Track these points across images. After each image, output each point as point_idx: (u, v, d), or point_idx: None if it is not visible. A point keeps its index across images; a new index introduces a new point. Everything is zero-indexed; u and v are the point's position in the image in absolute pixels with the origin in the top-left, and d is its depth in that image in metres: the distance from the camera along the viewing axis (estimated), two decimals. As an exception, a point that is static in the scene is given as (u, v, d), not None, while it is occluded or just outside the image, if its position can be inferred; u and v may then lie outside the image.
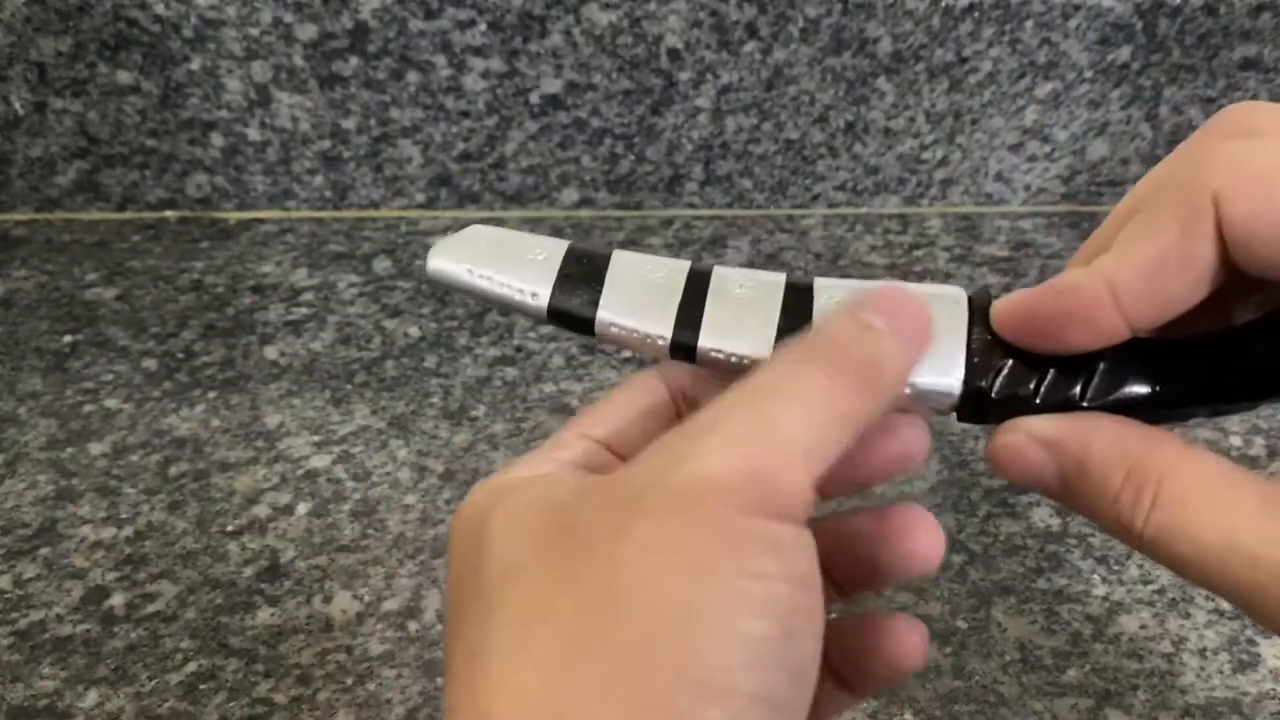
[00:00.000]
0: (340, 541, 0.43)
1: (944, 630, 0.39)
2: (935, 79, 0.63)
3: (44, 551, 0.43)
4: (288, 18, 0.60)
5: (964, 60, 0.62)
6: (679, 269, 0.25)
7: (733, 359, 0.24)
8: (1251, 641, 0.38)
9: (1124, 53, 0.62)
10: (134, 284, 0.61)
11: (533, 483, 0.22)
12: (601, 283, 0.24)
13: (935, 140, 0.65)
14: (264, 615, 0.40)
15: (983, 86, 0.63)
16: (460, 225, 0.69)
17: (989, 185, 0.67)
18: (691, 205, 0.68)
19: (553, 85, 0.63)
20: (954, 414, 0.24)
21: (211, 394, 0.52)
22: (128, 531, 0.43)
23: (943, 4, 0.60)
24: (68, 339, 0.56)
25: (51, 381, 0.53)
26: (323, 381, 0.52)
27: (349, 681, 0.37)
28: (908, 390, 0.23)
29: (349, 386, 0.52)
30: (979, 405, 0.23)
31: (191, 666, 0.38)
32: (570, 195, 0.67)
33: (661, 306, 0.24)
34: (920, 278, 0.61)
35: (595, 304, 0.24)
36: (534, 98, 0.63)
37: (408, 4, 0.60)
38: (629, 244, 0.64)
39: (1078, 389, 0.23)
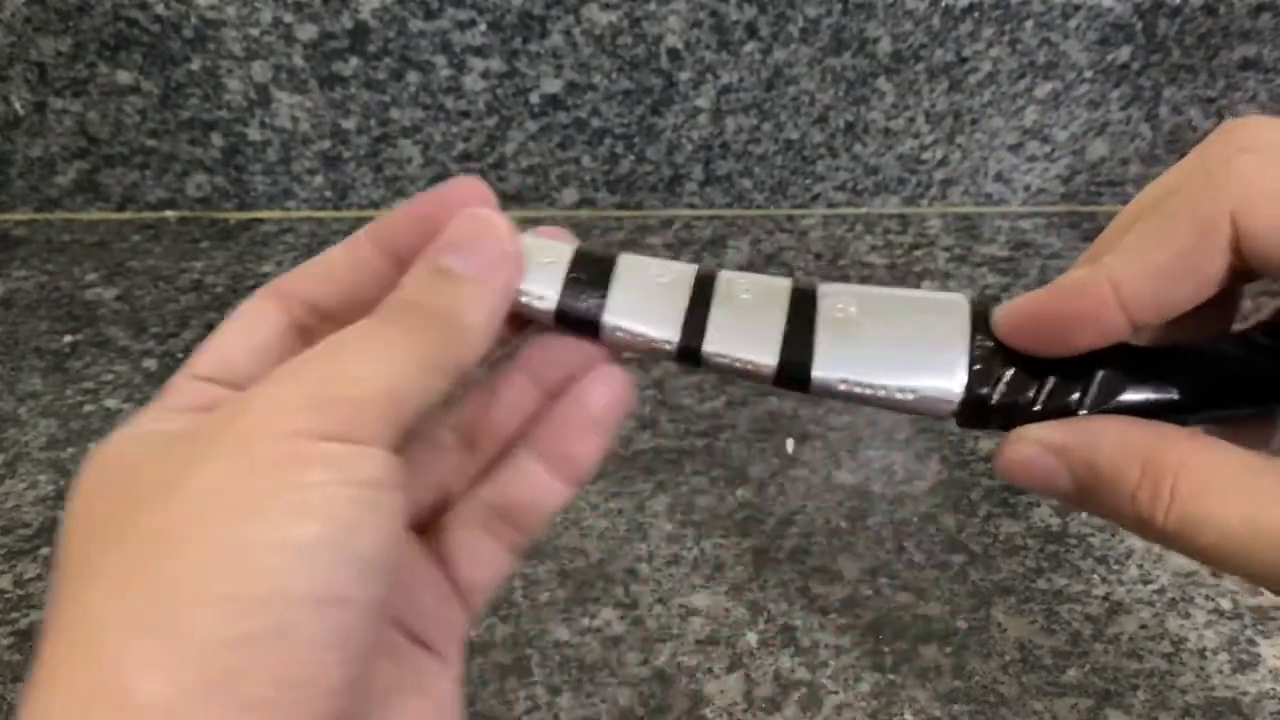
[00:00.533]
0: (340, 541, 0.43)
1: (944, 630, 0.39)
2: (935, 79, 0.63)
3: (45, 551, 0.43)
4: (288, 18, 0.60)
5: (964, 60, 0.62)
6: (685, 273, 0.25)
7: (737, 364, 0.24)
8: (1251, 641, 0.38)
9: (1124, 53, 0.62)
10: (134, 284, 0.61)
11: (123, 445, 0.21)
12: (608, 287, 0.24)
13: (935, 140, 0.65)
14: (264, 615, 0.40)
15: (982, 87, 0.63)
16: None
17: (989, 185, 0.67)
18: (691, 205, 0.68)
19: (553, 85, 0.63)
20: (954, 419, 0.24)
21: (212, 394, 0.52)
22: (128, 531, 0.43)
23: (943, 4, 0.60)
24: (68, 339, 0.56)
25: (52, 381, 0.53)
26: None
27: (349, 681, 0.37)
28: (910, 396, 0.23)
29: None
30: (979, 412, 0.23)
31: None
32: (570, 195, 0.67)
33: (667, 311, 0.24)
34: (920, 278, 0.61)
35: (601, 308, 0.24)
36: (534, 98, 0.63)
37: (408, 4, 0.60)
38: (629, 244, 0.64)
39: (1077, 395, 0.23)
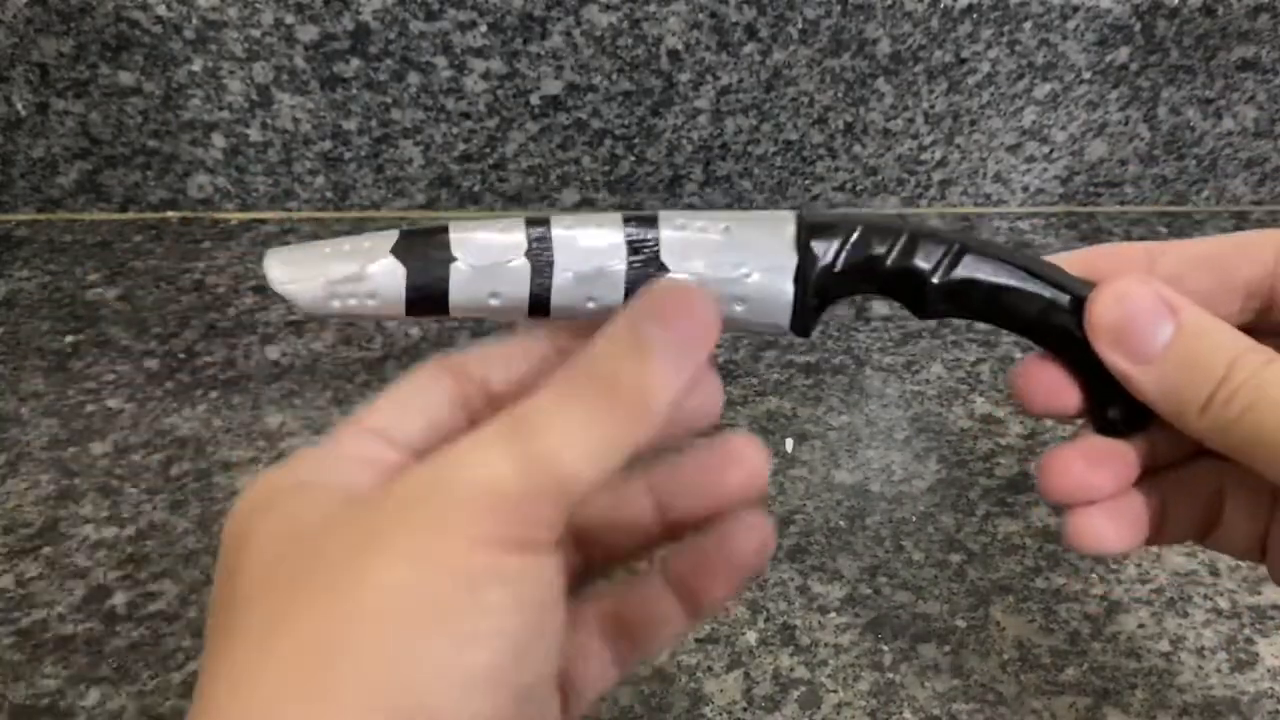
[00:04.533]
0: (341, 541, 0.43)
1: (943, 629, 0.39)
2: (934, 80, 0.63)
3: (46, 551, 0.43)
4: (289, 19, 0.60)
5: (963, 61, 0.63)
6: (516, 223, 0.25)
7: (587, 228, 0.24)
8: (1250, 641, 0.38)
9: (1122, 54, 0.63)
10: (136, 284, 0.61)
11: (296, 496, 0.21)
12: (446, 241, 0.24)
13: (934, 141, 0.65)
14: (265, 614, 0.40)
15: (981, 87, 0.63)
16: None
17: (988, 186, 0.68)
18: (692, 205, 0.68)
19: (553, 86, 0.63)
20: (791, 307, 0.24)
21: (213, 394, 0.52)
22: (130, 531, 0.44)
23: (941, 5, 0.61)
24: (70, 339, 0.56)
25: (53, 381, 0.53)
26: (324, 382, 0.53)
27: (350, 680, 0.37)
28: (748, 272, 0.24)
29: (350, 387, 0.52)
30: (821, 280, 0.24)
31: (193, 666, 0.38)
32: (570, 196, 0.67)
33: (509, 221, 0.24)
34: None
35: (445, 230, 0.24)
36: (534, 99, 0.63)
37: (409, 5, 0.60)
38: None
39: (925, 264, 0.24)
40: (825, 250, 0.24)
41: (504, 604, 0.18)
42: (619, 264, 0.24)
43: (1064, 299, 0.24)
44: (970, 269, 0.24)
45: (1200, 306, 0.23)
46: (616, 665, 0.25)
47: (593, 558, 0.26)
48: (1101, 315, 0.23)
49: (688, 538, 0.25)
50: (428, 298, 0.24)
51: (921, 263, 0.24)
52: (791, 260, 0.24)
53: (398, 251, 0.24)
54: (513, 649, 0.18)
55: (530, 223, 0.24)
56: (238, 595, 0.20)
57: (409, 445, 0.23)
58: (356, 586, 0.18)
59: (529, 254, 0.24)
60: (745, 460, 0.25)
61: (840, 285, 0.25)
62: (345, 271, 0.24)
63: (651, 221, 0.24)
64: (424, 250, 0.24)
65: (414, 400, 0.24)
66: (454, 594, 0.18)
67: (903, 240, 0.24)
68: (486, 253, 0.24)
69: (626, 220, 0.24)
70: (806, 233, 0.24)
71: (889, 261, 0.24)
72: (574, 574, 0.26)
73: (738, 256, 0.24)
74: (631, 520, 0.25)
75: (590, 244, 0.24)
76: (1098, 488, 0.25)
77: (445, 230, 0.24)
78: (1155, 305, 0.23)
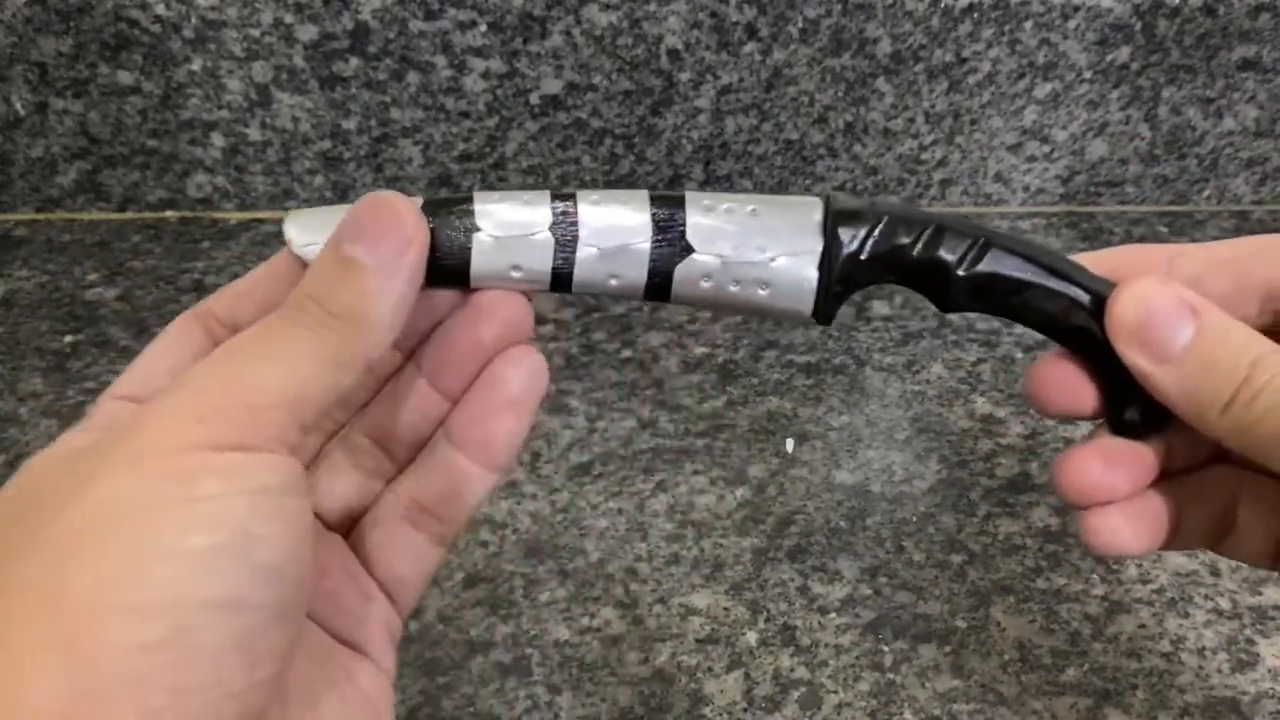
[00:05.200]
0: (341, 541, 0.43)
1: (943, 630, 0.39)
2: (934, 79, 0.63)
3: (45, 551, 0.43)
4: (288, 18, 0.60)
5: (963, 61, 0.62)
6: (541, 196, 0.25)
7: (613, 203, 0.24)
8: (1250, 641, 0.38)
9: (1123, 53, 0.63)
10: (135, 284, 0.61)
11: (40, 461, 0.22)
12: (471, 209, 0.24)
13: (935, 141, 0.65)
14: (265, 615, 0.40)
15: (982, 87, 0.63)
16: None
17: (988, 186, 0.67)
18: (691, 205, 0.68)
19: (553, 86, 0.63)
20: (815, 290, 0.24)
21: (212, 394, 0.52)
22: (129, 531, 0.43)
23: (942, 5, 0.60)
24: (69, 339, 0.56)
25: (52, 381, 0.53)
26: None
27: (350, 681, 0.37)
28: (773, 256, 0.24)
29: (349, 386, 0.52)
30: (845, 267, 0.24)
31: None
32: (570, 195, 0.67)
33: (534, 193, 0.25)
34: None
35: (470, 199, 0.24)
36: (534, 98, 0.63)
37: (408, 5, 0.60)
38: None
39: (955, 257, 0.24)
40: (851, 238, 0.24)
41: (219, 491, 0.19)
42: (644, 242, 0.24)
43: (1085, 297, 0.24)
44: (994, 264, 0.24)
45: (1220, 309, 0.23)
46: (436, 544, 0.26)
47: (400, 456, 0.27)
48: (1123, 314, 0.23)
49: (463, 395, 0.26)
50: (449, 267, 0.24)
51: (946, 255, 0.24)
52: (817, 246, 0.24)
53: (425, 209, 0.24)
54: (240, 529, 0.19)
55: (556, 197, 0.24)
56: None
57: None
58: (80, 503, 0.19)
59: (553, 228, 0.24)
60: (497, 311, 0.25)
61: (865, 273, 0.25)
62: None
63: (679, 202, 0.24)
64: (448, 218, 0.24)
65: (162, 358, 0.24)
66: (166, 487, 0.19)
67: (929, 231, 0.24)
68: (511, 225, 0.24)
69: (654, 199, 0.24)
70: (833, 219, 0.24)
71: (914, 252, 0.24)
72: (386, 474, 0.27)
73: (763, 240, 0.24)
74: (418, 410, 0.26)
75: (616, 221, 0.24)
76: (1115, 488, 0.25)
77: (470, 199, 0.24)
78: (1176, 306, 0.23)
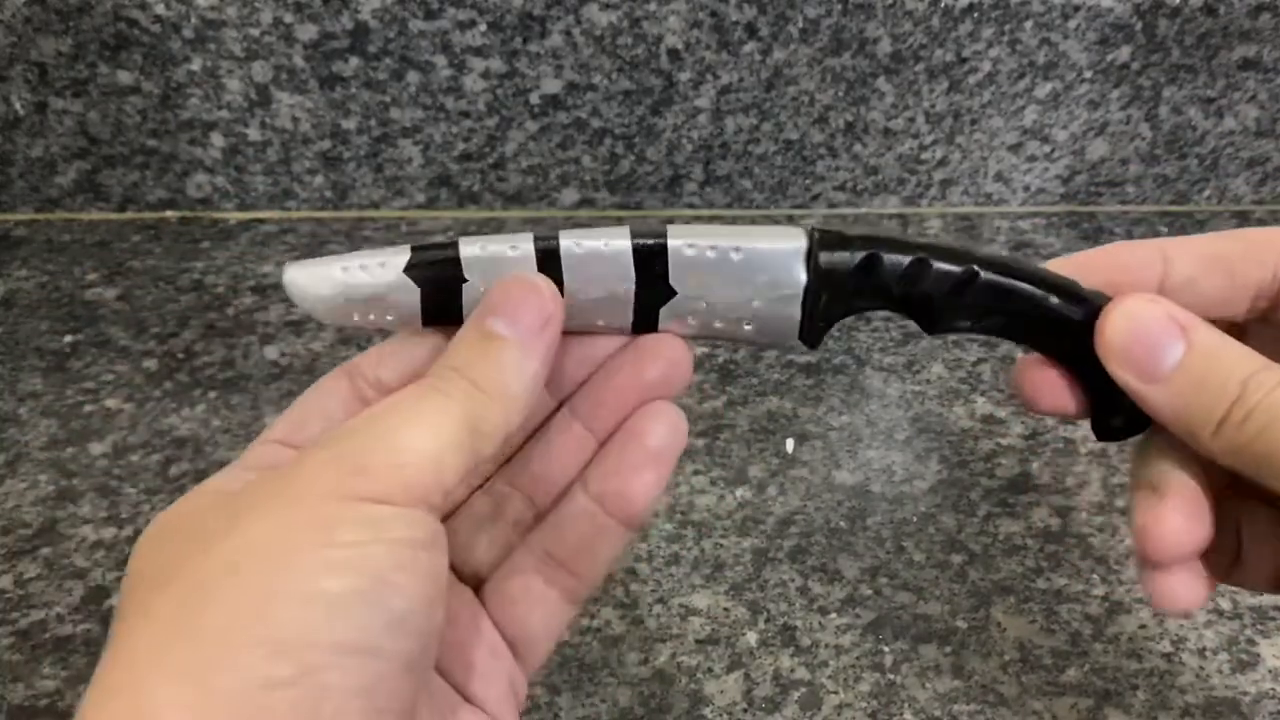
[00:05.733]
0: (341, 541, 0.43)
1: (944, 630, 0.39)
2: (935, 79, 0.63)
3: (45, 551, 0.43)
4: (288, 18, 0.60)
5: (963, 60, 0.62)
6: (526, 239, 0.25)
7: (595, 248, 0.25)
8: (1251, 641, 0.38)
9: (1123, 53, 0.63)
10: (134, 284, 0.61)
11: (188, 500, 0.23)
12: (458, 258, 0.25)
13: (935, 140, 0.65)
14: (264, 615, 0.40)
15: (982, 87, 0.63)
16: (460, 225, 0.69)
17: (989, 185, 0.67)
18: (691, 205, 0.68)
19: (553, 85, 0.63)
20: (800, 307, 0.24)
21: (212, 394, 0.52)
22: (128, 531, 0.43)
23: (942, 4, 0.60)
24: (68, 339, 0.56)
25: (52, 381, 0.53)
26: (323, 381, 0.52)
27: (349, 681, 0.37)
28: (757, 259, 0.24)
29: (349, 386, 0.52)
30: (829, 303, 0.24)
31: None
32: (570, 195, 0.67)
33: (518, 238, 0.25)
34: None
35: (456, 249, 0.25)
36: (534, 98, 0.63)
37: (408, 4, 0.60)
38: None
39: (942, 289, 0.24)
40: (835, 274, 0.24)
41: (357, 538, 0.19)
42: (627, 285, 0.25)
43: (1075, 315, 0.24)
44: (981, 293, 0.24)
45: (1209, 321, 0.23)
46: (568, 601, 0.26)
47: (544, 505, 0.27)
48: (1112, 335, 0.23)
49: (601, 447, 0.26)
50: (443, 315, 0.25)
51: (933, 286, 0.24)
52: (800, 283, 0.24)
53: (411, 273, 0.25)
54: (376, 577, 0.19)
55: (540, 242, 0.25)
56: (126, 588, 0.21)
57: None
58: (228, 543, 0.19)
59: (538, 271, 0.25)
60: (662, 352, 0.25)
61: (850, 306, 0.25)
62: (363, 292, 0.25)
63: (660, 244, 0.24)
64: (436, 272, 0.25)
65: (314, 407, 0.25)
66: (307, 533, 0.19)
67: (914, 263, 0.24)
68: (497, 274, 0.25)
69: (635, 241, 0.24)
70: (817, 258, 0.24)
71: (900, 285, 0.24)
72: (525, 526, 0.27)
73: (746, 283, 0.24)
74: (570, 454, 0.26)
75: (599, 269, 0.25)
76: (1197, 542, 0.24)
77: (456, 249, 0.25)
78: (1166, 324, 0.23)
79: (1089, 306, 0.24)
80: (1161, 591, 0.24)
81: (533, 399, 0.23)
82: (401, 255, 0.25)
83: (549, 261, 0.24)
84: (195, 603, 0.19)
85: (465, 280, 0.24)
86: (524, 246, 0.25)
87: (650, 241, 0.24)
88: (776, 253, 0.24)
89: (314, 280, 0.25)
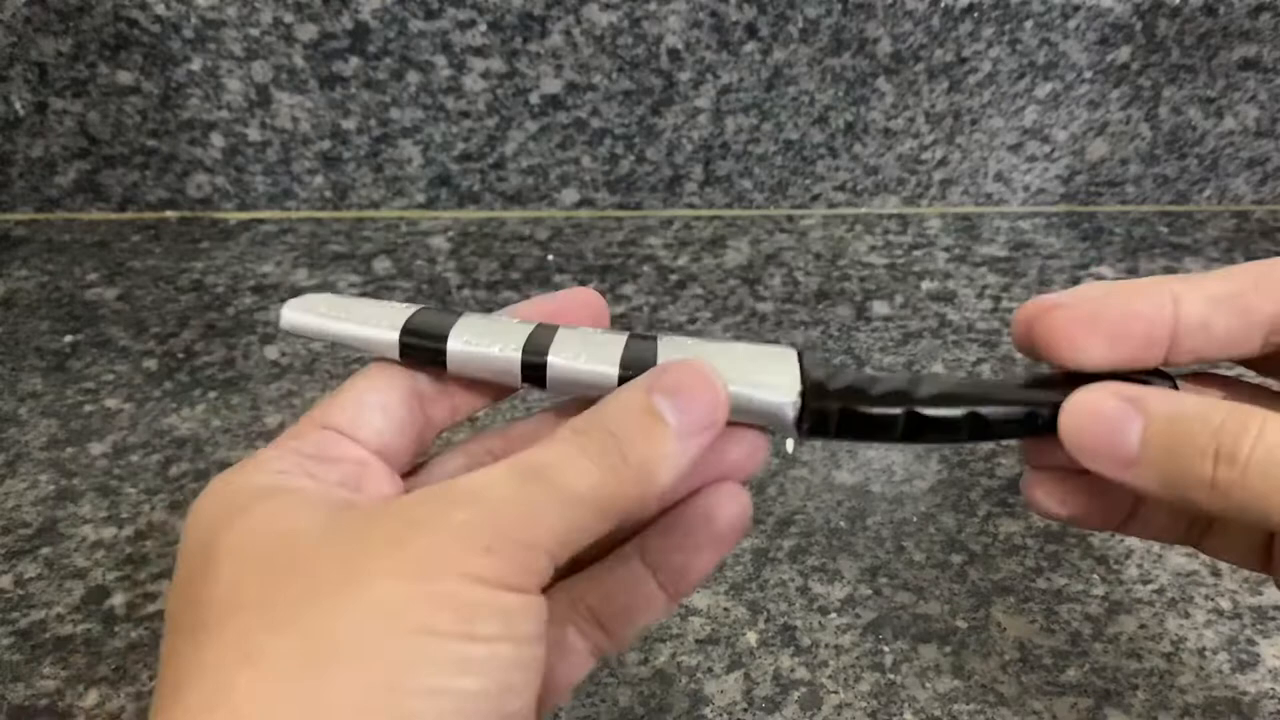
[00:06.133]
0: (341, 541, 0.43)
1: (943, 630, 0.39)
2: (935, 79, 0.63)
3: (45, 551, 0.43)
4: (288, 18, 0.60)
5: (963, 60, 0.62)
6: (526, 324, 0.25)
7: (581, 374, 0.24)
8: (1251, 641, 0.38)
9: (1123, 53, 0.63)
10: (134, 284, 0.61)
11: (272, 500, 0.21)
12: (453, 320, 0.25)
13: (935, 140, 0.65)
14: (264, 615, 0.40)
15: (982, 87, 0.63)
16: (460, 225, 0.69)
17: (988, 185, 0.67)
18: (691, 205, 0.68)
19: (553, 85, 0.63)
20: (795, 412, 0.24)
21: (212, 394, 0.52)
22: (128, 531, 0.43)
23: (942, 4, 0.60)
24: (68, 339, 0.56)
25: (52, 381, 0.53)
26: (323, 382, 0.52)
27: (349, 681, 0.37)
28: (752, 393, 0.24)
29: (349, 386, 0.52)
30: (819, 394, 0.24)
31: (192, 666, 0.38)
32: (570, 195, 0.67)
33: (511, 335, 0.25)
34: (920, 278, 0.61)
35: (446, 332, 0.25)
36: (534, 98, 0.63)
37: (408, 4, 0.60)
38: (628, 244, 0.64)
39: (910, 390, 0.24)
40: (818, 423, 0.24)
41: (496, 635, 0.19)
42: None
43: (1044, 412, 0.24)
44: (964, 425, 0.24)
45: (1226, 361, 0.23)
46: (593, 655, 0.26)
47: (584, 555, 0.26)
48: (1070, 436, 0.23)
49: (663, 516, 0.25)
50: (425, 354, 0.26)
51: (925, 428, 0.24)
52: (790, 426, 0.24)
53: (401, 353, 0.25)
54: (501, 678, 0.19)
55: (528, 349, 0.25)
56: (214, 599, 0.19)
57: (372, 441, 0.24)
58: (353, 599, 0.18)
59: (521, 381, 0.25)
60: (746, 435, 0.25)
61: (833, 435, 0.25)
62: (356, 345, 0.25)
63: (650, 361, 0.24)
64: (422, 360, 0.25)
65: (371, 397, 0.24)
66: (451, 621, 0.18)
67: (901, 415, 0.24)
68: (479, 372, 0.25)
69: (621, 371, 0.24)
70: (803, 411, 0.24)
71: (887, 429, 0.24)
72: (561, 573, 0.26)
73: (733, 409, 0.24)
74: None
75: (581, 385, 0.24)
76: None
77: (445, 345, 0.25)
78: (1116, 408, 0.22)
79: (1050, 401, 0.24)
80: (1034, 493, 0.25)
81: (669, 495, 0.22)
82: (393, 333, 0.25)
83: (535, 371, 0.24)
84: (317, 665, 0.18)
85: (448, 371, 0.25)
86: (511, 355, 0.25)
87: (632, 374, 0.24)
88: (766, 379, 0.24)
89: (307, 324, 0.25)
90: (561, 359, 0.24)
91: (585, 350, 0.24)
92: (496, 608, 0.19)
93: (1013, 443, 0.48)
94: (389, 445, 0.24)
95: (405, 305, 0.26)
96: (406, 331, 0.25)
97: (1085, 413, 0.23)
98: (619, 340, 0.25)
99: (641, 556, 0.25)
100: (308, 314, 0.26)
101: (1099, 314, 0.23)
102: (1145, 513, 0.26)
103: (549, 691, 0.25)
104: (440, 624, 0.18)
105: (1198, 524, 0.26)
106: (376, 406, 0.24)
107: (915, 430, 0.24)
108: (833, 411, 0.24)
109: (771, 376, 0.24)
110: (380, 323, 0.25)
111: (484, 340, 0.25)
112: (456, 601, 0.19)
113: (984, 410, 0.24)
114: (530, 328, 0.25)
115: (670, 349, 0.24)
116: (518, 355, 0.24)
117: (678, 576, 0.25)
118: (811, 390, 0.24)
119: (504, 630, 0.19)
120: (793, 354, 0.25)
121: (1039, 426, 0.24)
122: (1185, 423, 0.21)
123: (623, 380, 0.24)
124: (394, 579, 0.19)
